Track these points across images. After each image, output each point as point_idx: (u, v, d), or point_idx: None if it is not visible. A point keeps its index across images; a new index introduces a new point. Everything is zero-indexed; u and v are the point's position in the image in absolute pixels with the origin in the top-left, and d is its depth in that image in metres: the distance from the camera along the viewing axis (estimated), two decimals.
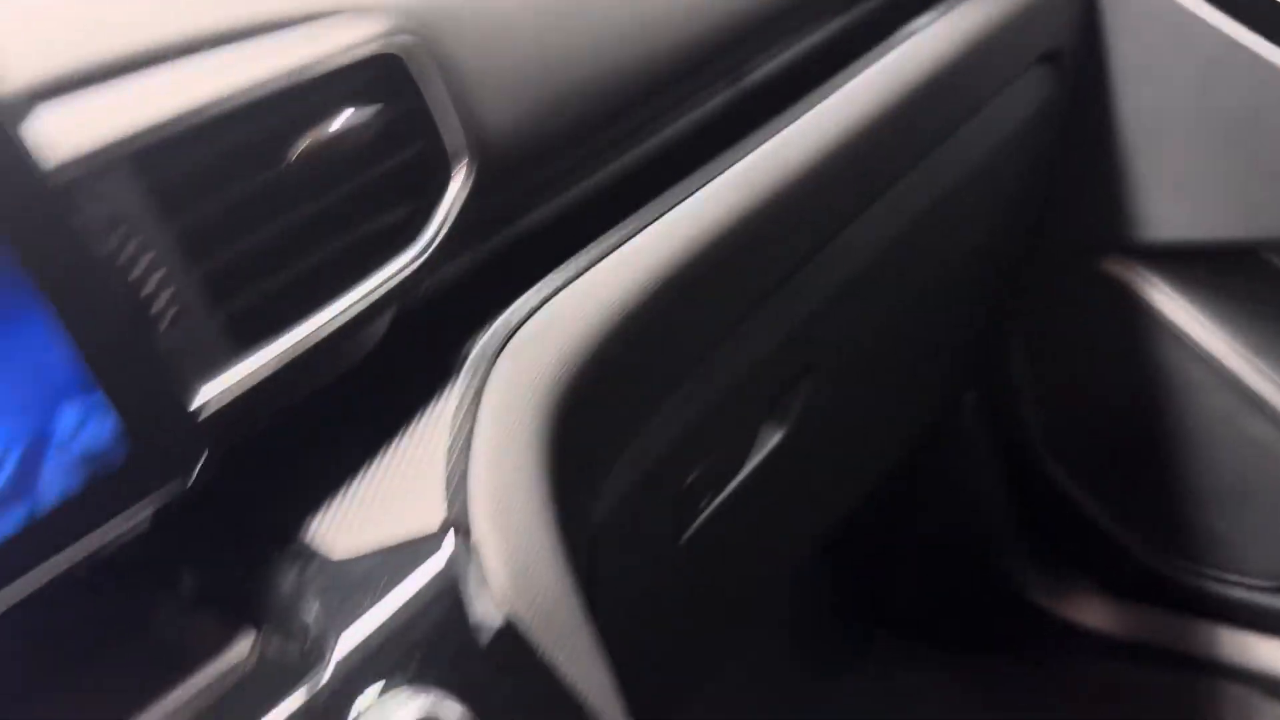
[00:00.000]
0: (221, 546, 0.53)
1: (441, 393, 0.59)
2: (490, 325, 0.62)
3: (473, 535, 0.52)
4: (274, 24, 0.54)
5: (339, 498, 0.54)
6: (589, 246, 0.67)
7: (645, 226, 0.68)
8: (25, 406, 0.42)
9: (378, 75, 0.56)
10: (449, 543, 0.51)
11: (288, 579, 0.50)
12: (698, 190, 0.72)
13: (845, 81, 0.86)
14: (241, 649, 0.49)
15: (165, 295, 0.46)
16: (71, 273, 0.42)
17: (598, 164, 0.71)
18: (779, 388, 0.91)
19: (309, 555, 0.51)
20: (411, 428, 0.57)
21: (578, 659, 0.53)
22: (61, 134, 0.43)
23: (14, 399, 0.42)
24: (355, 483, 0.55)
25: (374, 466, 0.55)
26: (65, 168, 0.43)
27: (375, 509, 0.53)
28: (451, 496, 0.53)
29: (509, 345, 0.61)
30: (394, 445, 0.56)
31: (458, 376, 0.59)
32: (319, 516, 0.53)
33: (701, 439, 0.81)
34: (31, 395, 0.42)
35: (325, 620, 0.48)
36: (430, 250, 0.57)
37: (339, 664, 0.46)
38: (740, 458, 0.90)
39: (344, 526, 0.53)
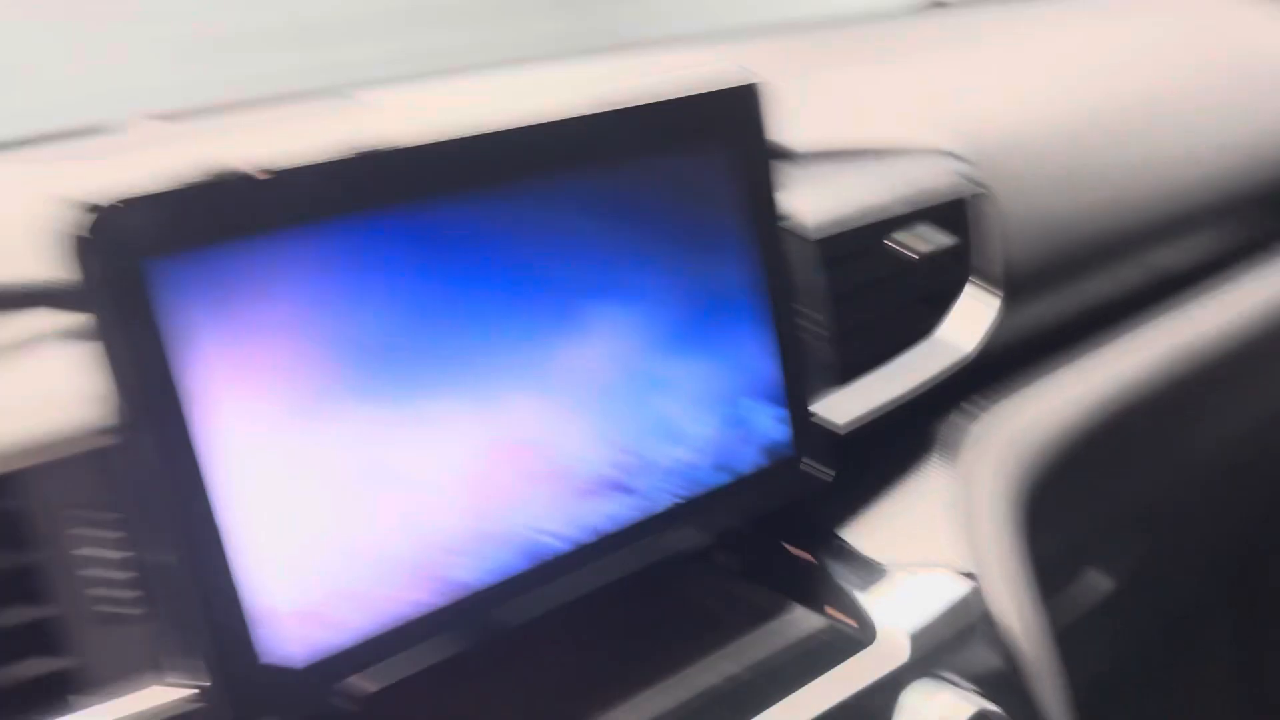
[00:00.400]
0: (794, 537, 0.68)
1: (935, 459, 0.74)
2: (982, 411, 0.76)
3: (976, 572, 0.66)
4: (892, 150, 0.72)
5: (870, 515, 0.69)
6: (1072, 359, 0.81)
7: (1126, 351, 0.83)
8: (750, 403, 0.59)
9: (947, 209, 0.73)
10: (963, 577, 0.65)
11: (841, 574, 0.65)
12: (1173, 326, 0.86)
13: None
14: (808, 621, 0.64)
15: (831, 345, 0.63)
16: (792, 324, 0.59)
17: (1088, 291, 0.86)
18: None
19: (859, 558, 0.66)
20: (914, 481, 0.72)
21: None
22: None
23: (747, 396, 0.59)
24: (879, 506, 0.70)
25: (893, 499, 0.70)
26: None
27: (901, 533, 0.68)
28: (959, 538, 0.67)
29: (991, 430, 0.76)
30: (909, 487, 0.71)
31: (958, 448, 0.74)
32: (859, 526, 0.68)
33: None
34: (756, 395, 0.59)
35: (878, 614, 0.62)
36: (966, 359, 0.72)
37: (890, 653, 0.60)
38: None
39: (879, 539, 0.67)
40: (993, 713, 0.58)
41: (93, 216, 0.39)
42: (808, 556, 0.67)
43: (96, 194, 0.39)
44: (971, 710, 0.58)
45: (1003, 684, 0.62)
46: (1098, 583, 1.06)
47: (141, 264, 0.39)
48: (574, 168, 0.52)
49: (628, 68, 1.12)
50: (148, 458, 0.42)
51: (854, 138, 0.75)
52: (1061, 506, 0.89)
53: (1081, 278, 0.83)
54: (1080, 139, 0.85)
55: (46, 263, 0.51)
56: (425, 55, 1.52)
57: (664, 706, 0.59)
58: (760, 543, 0.70)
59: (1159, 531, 1.08)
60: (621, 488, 0.56)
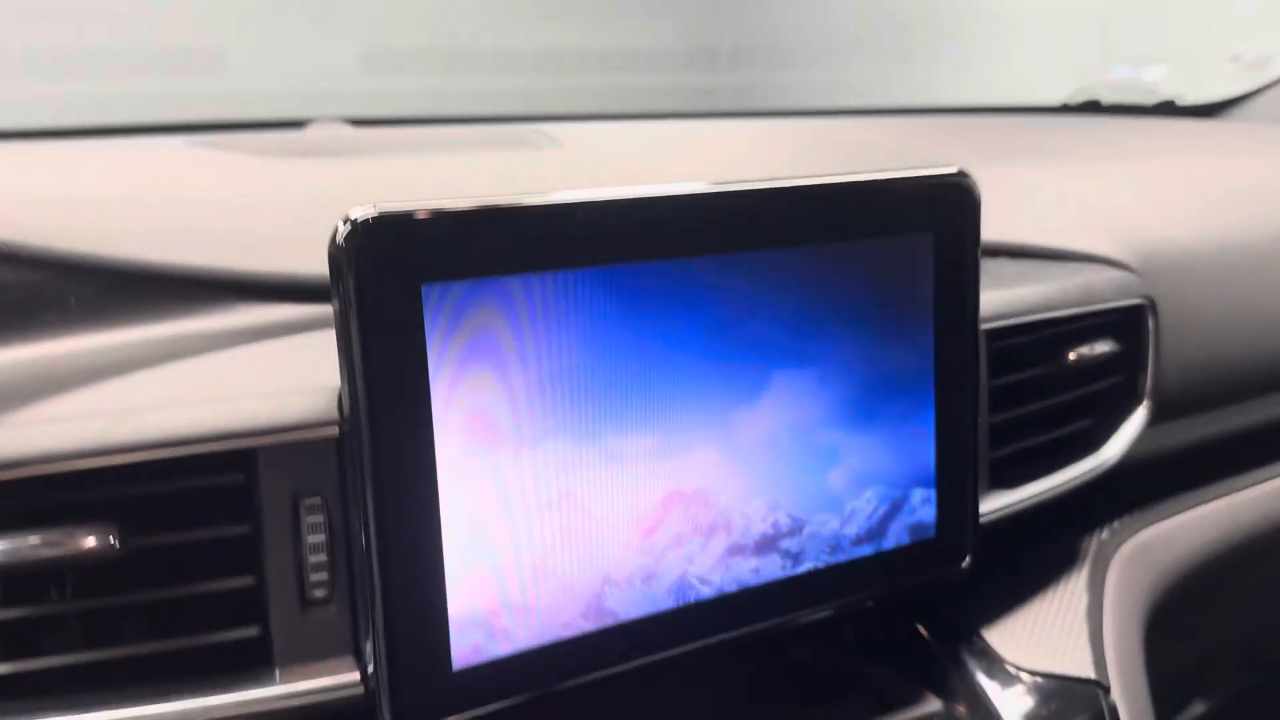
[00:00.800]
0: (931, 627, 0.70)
1: (1075, 566, 0.74)
2: (1126, 529, 0.76)
3: (1109, 685, 0.66)
4: (1059, 253, 0.73)
5: (1008, 617, 0.70)
6: (1216, 486, 0.81)
7: (1263, 486, 0.82)
8: (904, 482, 0.61)
9: (1112, 316, 0.74)
10: (1094, 689, 0.65)
11: (976, 670, 0.66)
12: None
13: None
14: (934, 706, 0.65)
15: (984, 438, 0.65)
16: (959, 413, 0.61)
17: (1239, 417, 0.86)
18: None
19: (991, 656, 0.67)
20: (1057, 580, 0.72)
21: None
22: None
23: (902, 475, 0.60)
24: (1017, 609, 0.70)
25: (1032, 604, 0.71)
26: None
27: (1036, 638, 0.68)
28: (1093, 650, 0.68)
29: (1126, 546, 0.76)
30: (1048, 594, 0.72)
31: (1100, 561, 0.74)
32: (995, 626, 0.69)
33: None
34: (910, 475, 0.61)
35: (1011, 710, 0.63)
36: (1109, 466, 0.73)
37: None
38: None
39: (1014, 641, 0.68)
40: None
41: (377, 229, 0.43)
42: (939, 646, 0.69)
43: (376, 204, 0.43)
44: None
45: None
46: (1196, 712, 1.05)
47: (422, 288, 0.43)
48: (789, 238, 0.55)
49: (781, 133, 1.15)
50: (388, 457, 0.45)
51: (1024, 236, 0.77)
52: (1177, 633, 0.88)
53: (1235, 402, 0.83)
54: (1245, 261, 0.85)
55: (301, 256, 0.56)
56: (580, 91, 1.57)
57: None
58: (897, 626, 0.72)
59: (1261, 670, 1.06)
60: (774, 546, 0.58)
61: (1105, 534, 0.77)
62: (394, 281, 0.43)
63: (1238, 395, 0.82)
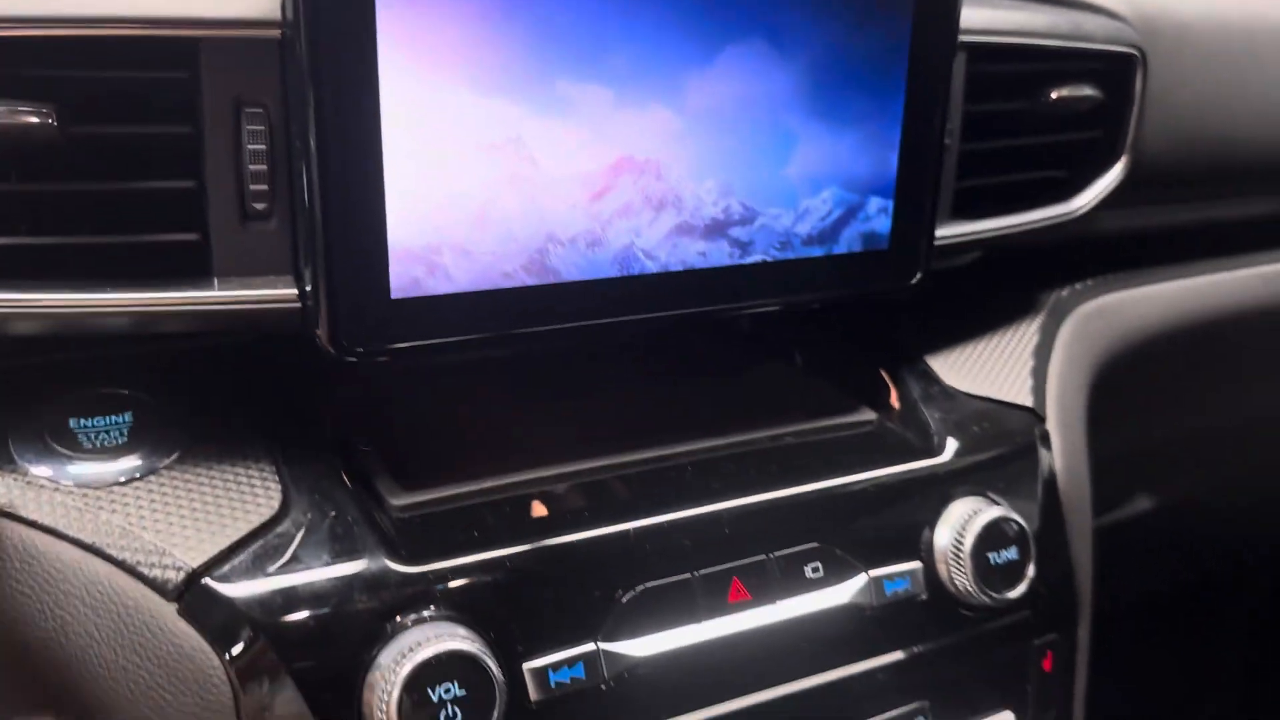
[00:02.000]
0: (863, 348, 0.71)
1: (1032, 312, 0.75)
2: (1078, 285, 0.77)
3: (1045, 416, 0.67)
4: None
5: (957, 351, 0.71)
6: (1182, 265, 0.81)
7: (1235, 272, 0.82)
8: (862, 187, 0.60)
9: (1099, 62, 0.72)
10: (1030, 416, 0.67)
11: (915, 389, 0.67)
12: None
13: None
14: (867, 416, 0.67)
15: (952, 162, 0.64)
16: (927, 127, 0.60)
17: (1213, 200, 0.85)
18: None
19: (933, 379, 0.68)
20: (1011, 324, 0.73)
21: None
22: None
23: (861, 179, 0.60)
24: (968, 344, 0.71)
25: (982, 341, 0.72)
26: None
27: (980, 369, 0.69)
28: (1035, 383, 0.69)
29: (1086, 305, 0.76)
30: (1001, 335, 0.72)
31: (1043, 311, 0.75)
32: (944, 357, 0.70)
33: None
34: (869, 181, 0.60)
35: (942, 428, 0.64)
36: (1076, 216, 0.73)
37: (949, 460, 0.63)
38: None
39: (957, 368, 0.69)
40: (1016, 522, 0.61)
41: None
42: (883, 367, 0.70)
43: None
44: (999, 515, 0.60)
45: (1046, 518, 0.64)
46: (1139, 499, 1.07)
47: None
48: None
49: None
50: (329, 68, 0.45)
51: None
52: (1128, 411, 0.90)
53: (1210, 184, 0.82)
54: (1243, 43, 0.82)
55: None
56: None
57: (711, 452, 0.62)
58: (845, 352, 0.73)
59: (1212, 467, 1.08)
60: (724, 233, 0.58)
61: (1066, 292, 0.78)
62: None
63: (1214, 178, 0.81)
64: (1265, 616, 1.56)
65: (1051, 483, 0.66)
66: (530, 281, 0.54)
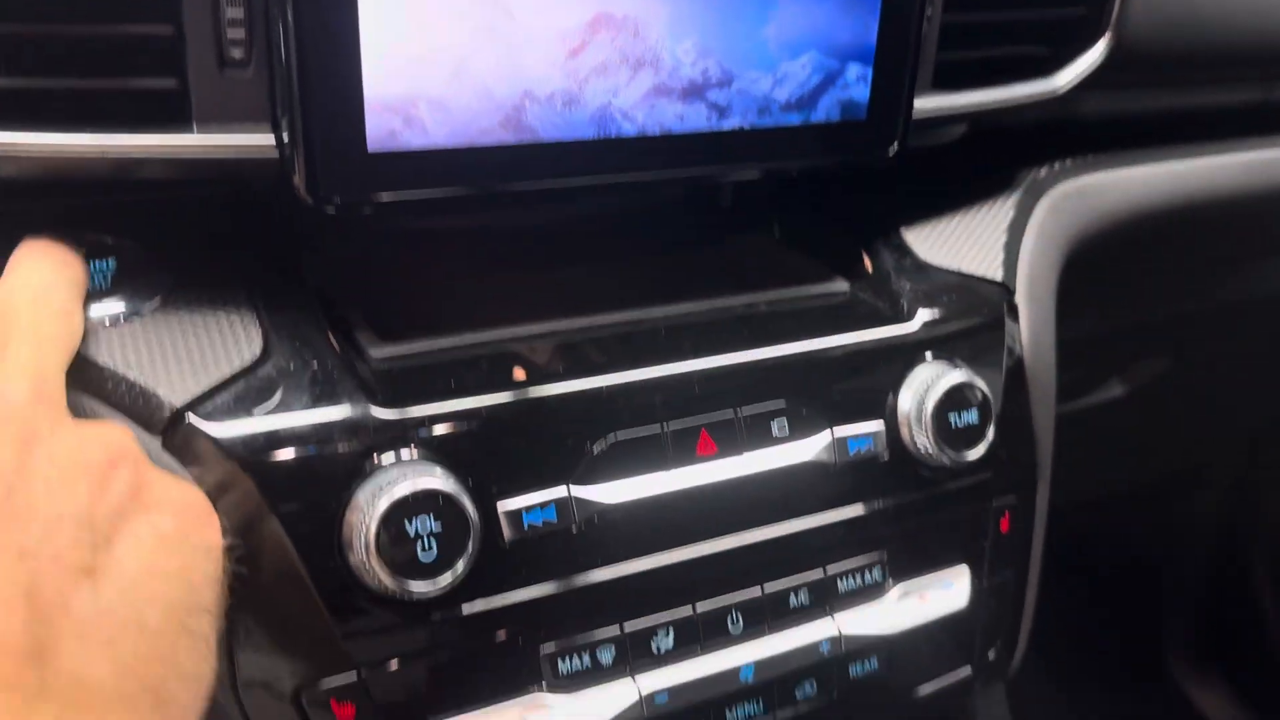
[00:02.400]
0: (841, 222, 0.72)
1: (1009, 190, 0.75)
2: (1056, 165, 0.77)
3: (1015, 290, 0.69)
4: None
5: (933, 225, 0.72)
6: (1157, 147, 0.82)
7: (1214, 159, 0.83)
8: (842, 53, 0.60)
9: None
10: (1000, 289, 0.68)
11: (889, 261, 0.68)
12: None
13: None
14: (840, 285, 0.68)
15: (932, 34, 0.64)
16: None
17: (1199, 87, 0.85)
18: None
19: (907, 252, 0.69)
20: (988, 201, 0.74)
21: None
22: None
23: (840, 45, 0.60)
24: (943, 219, 0.72)
25: (958, 216, 0.73)
26: None
27: (954, 243, 0.71)
28: (1007, 257, 0.70)
29: (1064, 185, 0.77)
30: (974, 208, 0.73)
31: (1020, 189, 0.76)
32: (919, 230, 0.71)
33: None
34: (849, 47, 0.61)
35: (912, 299, 0.66)
36: (1058, 94, 0.73)
37: (916, 328, 0.64)
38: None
39: (932, 243, 0.70)
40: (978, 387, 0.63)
41: None
42: (858, 239, 0.71)
43: None
44: (961, 380, 0.62)
45: (1009, 386, 0.66)
46: (1104, 388, 1.10)
47: None
48: None
49: None
50: None
51: None
52: (1099, 295, 0.91)
53: (1194, 68, 0.82)
54: None
55: None
56: None
57: (684, 317, 0.64)
58: (822, 226, 0.74)
59: (1180, 353, 1.10)
60: (702, 96, 0.59)
61: (1044, 172, 0.78)
62: None
63: (1198, 62, 0.81)
64: (1227, 518, 1.61)
65: (1017, 354, 0.68)
66: (507, 139, 0.55)
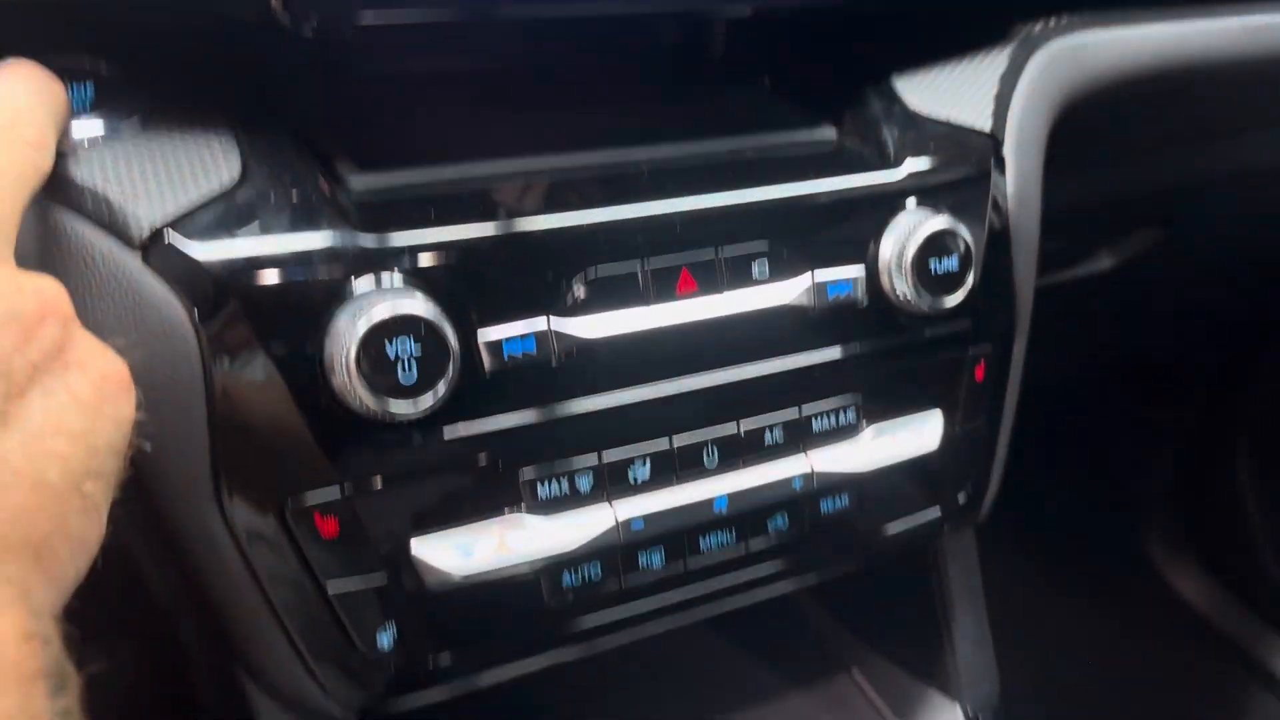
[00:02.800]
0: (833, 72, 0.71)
1: (1003, 43, 0.74)
2: (1053, 20, 0.76)
3: (1003, 141, 0.68)
4: None
5: (924, 73, 0.71)
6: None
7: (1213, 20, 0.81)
8: None
9: None
10: (988, 140, 0.68)
11: (878, 109, 0.68)
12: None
13: None
14: (828, 132, 0.68)
15: None
16: None
17: None
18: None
19: (896, 100, 0.69)
20: (981, 53, 0.73)
21: None
22: None
23: None
24: (935, 67, 0.71)
25: (949, 67, 0.72)
26: None
27: (944, 93, 0.70)
28: (997, 108, 0.69)
29: (1060, 41, 0.76)
30: (966, 59, 0.72)
31: (1014, 41, 0.74)
32: (911, 79, 0.70)
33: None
34: None
35: (899, 147, 0.65)
36: None
37: (901, 176, 0.64)
38: None
39: (923, 92, 0.70)
40: (960, 235, 0.63)
41: None
42: (847, 85, 0.70)
43: None
44: (943, 227, 0.62)
45: (992, 237, 0.67)
46: (1090, 259, 1.10)
47: None
48: None
49: None
50: None
51: None
52: (1088, 159, 0.91)
53: None
54: None
55: None
56: None
57: (670, 160, 0.63)
58: (812, 72, 0.73)
59: (1170, 227, 1.10)
60: None
61: (1040, 26, 0.77)
62: None
63: None
64: (1212, 402, 1.63)
65: (1001, 206, 0.68)
66: None
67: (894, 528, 0.68)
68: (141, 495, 0.51)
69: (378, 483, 0.53)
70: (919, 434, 0.66)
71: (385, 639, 0.55)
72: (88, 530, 0.42)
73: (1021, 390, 0.75)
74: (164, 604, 0.70)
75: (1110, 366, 1.56)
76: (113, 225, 0.49)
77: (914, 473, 0.67)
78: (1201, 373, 1.64)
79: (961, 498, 0.71)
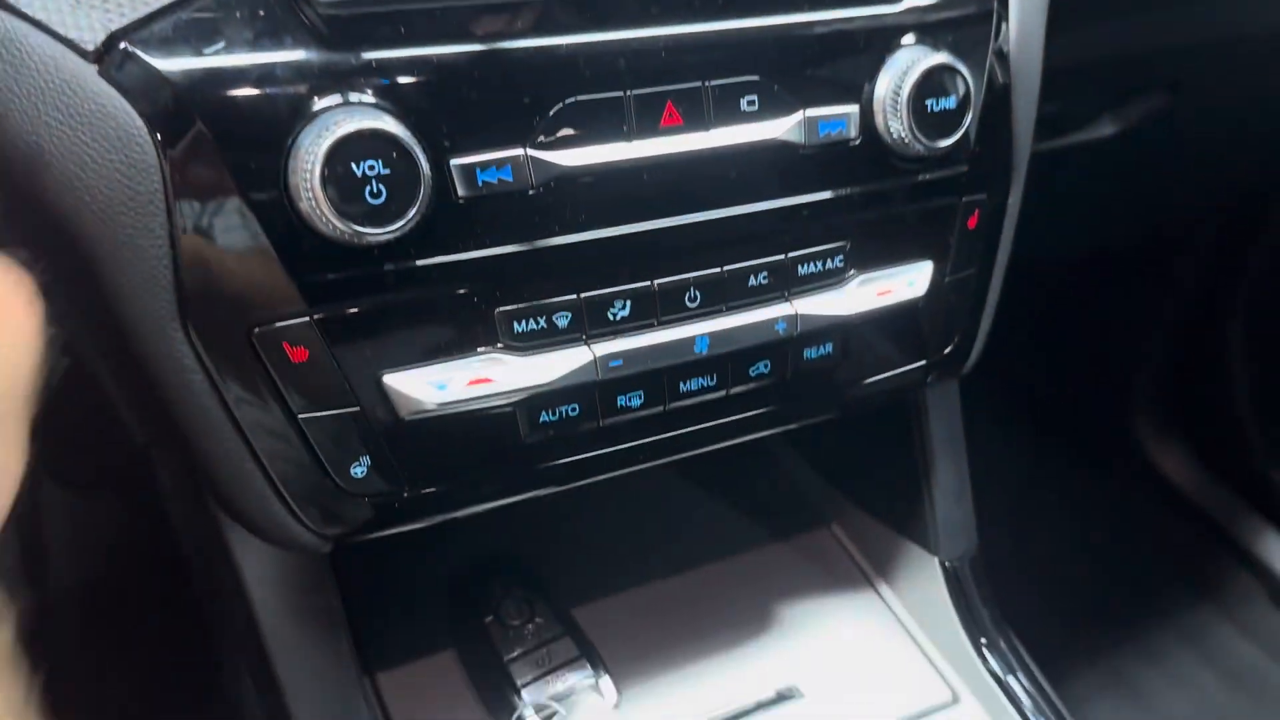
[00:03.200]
0: None
1: None
2: None
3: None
4: None
5: None
6: None
7: None
8: None
9: None
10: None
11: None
12: None
13: None
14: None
15: None
16: None
17: None
18: None
19: None
20: None
21: None
22: None
23: None
24: None
25: None
26: None
27: None
28: None
29: None
30: None
31: None
32: None
33: None
34: None
35: None
36: None
37: (905, 10, 0.61)
38: None
39: None
40: (959, 72, 0.60)
41: None
42: None
43: None
44: (942, 62, 0.60)
45: (991, 79, 0.64)
46: (1100, 121, 1.07)
47: None
48: None
49: None
50: None
51: None
52: (1095, 14, 0.87)
53: None
54: None
55: None
56: None
57: None
58: None
59: (1179, 95, 1.06)
60: None
61: None
62: None
63: None
64: (1208, 281, 1.61)
65: (1003, 48, 0.65)
66: None
67: (877, 375, 0.67)
68: (109, 320, 0.50)
69: (348, 311, 0.52)
70: (907, 283, 0.64)
71: (359, 470, 0.55)
72: (7, 457, 0.41)
73: (1016, 263, 0.73)
74: (141, 446, 0.69)
75: (1106, 245, 1.54)
76: (64, 34, 0.46)
77: (900, 321, 0.66)
78: (1197, 254, 1.62)
79: (947, 349, 0.70)
